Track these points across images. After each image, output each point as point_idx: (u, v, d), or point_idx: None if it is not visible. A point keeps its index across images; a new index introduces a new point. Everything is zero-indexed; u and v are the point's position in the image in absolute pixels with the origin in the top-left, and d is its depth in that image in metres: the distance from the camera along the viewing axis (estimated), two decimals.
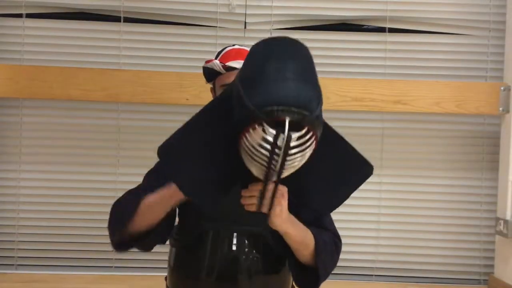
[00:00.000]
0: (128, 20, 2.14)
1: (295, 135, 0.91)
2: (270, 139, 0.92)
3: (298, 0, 2.15)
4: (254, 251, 1.21)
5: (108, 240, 2.13)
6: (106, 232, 2.13)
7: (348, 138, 2.27)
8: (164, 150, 1.07)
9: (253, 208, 1.09)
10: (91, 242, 2.13)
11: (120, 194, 2.16)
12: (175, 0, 2.13)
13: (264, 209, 1.09)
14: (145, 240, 1.21)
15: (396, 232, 2.17)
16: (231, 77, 1.26)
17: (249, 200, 1.09)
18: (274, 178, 0.99)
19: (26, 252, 2.13)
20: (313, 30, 2.18)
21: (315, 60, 2.32)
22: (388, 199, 2.17)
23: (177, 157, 1.07)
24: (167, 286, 1.33)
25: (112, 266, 2.14)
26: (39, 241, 2.13)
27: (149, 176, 1.34)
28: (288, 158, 0.94)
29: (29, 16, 2.13)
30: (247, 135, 0.94)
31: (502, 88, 2.05)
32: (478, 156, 2.18)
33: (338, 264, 2.16)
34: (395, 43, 2.16)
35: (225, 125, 1.01)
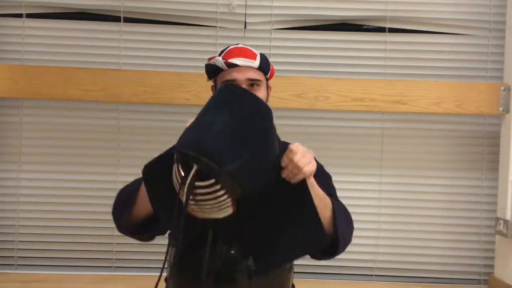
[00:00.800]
0: (128, 20, 2.14)
1: (198, 183, 0.98)
2: (178, 178, 1.00)
3: (298, 0, 2.15)
4: (253, 252, 1.20)
5: (108, 240, 2.15)
6: (106, 232, 2.15)
7: (348, 138, 2.29)
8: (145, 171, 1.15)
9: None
10: (91, 242, 2.13)
11: None
12: (175, 0, 2.13)
13: (308, 168, 1.09)
14: (149, 227, 1.24)
15: (396, 232, 2.17)
16: (232, 74, 1.27)
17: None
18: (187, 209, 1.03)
19: (26, 252, 2.14)
20: (313, 30, 2.18)
21: (315, 60, 2.31)
22: (388, 199, 2.17)
23: (154, 180, 1.14)
24: (167, 286, 1.32)
25: (112, 266, 2.14)
26: (39, 241, 2.13)
27: None
28: (193, 200, 1.00)
29: (29, 16, 2.13)
30: (173, 168, 1.03)
31: (502, 88, 2.05)
32: (478, 156, 2.18)
33: (338, 264, 2.16)
34: (395, 43, 2.16)
35: None
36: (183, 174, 0.98)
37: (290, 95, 2.03)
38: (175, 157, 1.02)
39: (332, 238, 1.19)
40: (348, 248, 2.15)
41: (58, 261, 2.13)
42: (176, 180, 1.03)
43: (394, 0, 2.15)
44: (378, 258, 2.17)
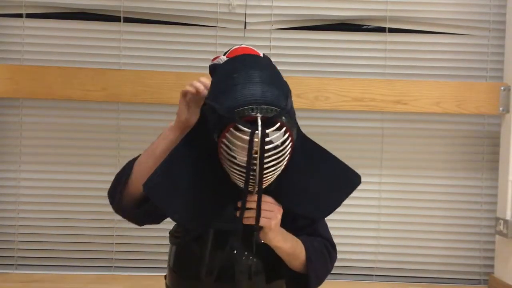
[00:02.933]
0: (128, 20, 2.14)
1: (269, 130, 0.97)
2: (246, 137, 0.96)
3: (298, 0, 2.15)
4: (254, 251, 1.21)
5: (108, 240, 2.15)
6: (106, 232, 2.15)
7: (348, 138, 2.29)
8: (151, 187, 1.10)
9: (250, 221, 1.11)
10: (91, 242, 2.13)
11: None
12: (175, 0, 2.13)
13: (262, 222, 1.10)
14: (143, 206, 1.22)
15: (396, 232, 2.17)
16: None
17: (248, 213, 1.10)
18: (257, 183, 1.02)
19: (26, 252, 2.13)
20: (313, 30, 2.18)
21: (315, 60, 2.32)
22: (388, 199, 2.17)
23: (166, 191, 1.10)
24: (166, 285, 1.32)
25: (112, 266, 2.13)
26: (39, 241, 2.13)
27: None
28: (266, 155, 0.98)
29: (29, 16, 2.13)
30: (224, 140, 0.99)
31: (502, 88, 2.05)
32: (478, 156, 2.18)
33: (338, 264, 2.15)
34: (395, 43, 2.16)
35: (204, 147, 1.06)
36: (249, 130, 0.96)
37: None
38: (218, 129, 1.00)
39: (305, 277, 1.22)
40: (348, 248, 2.17)
41: (58, 261, 2.13)
42: (228, 151, 0.99)
43: (394, 0, 2.15)
44: (378, 258, 2.18)
